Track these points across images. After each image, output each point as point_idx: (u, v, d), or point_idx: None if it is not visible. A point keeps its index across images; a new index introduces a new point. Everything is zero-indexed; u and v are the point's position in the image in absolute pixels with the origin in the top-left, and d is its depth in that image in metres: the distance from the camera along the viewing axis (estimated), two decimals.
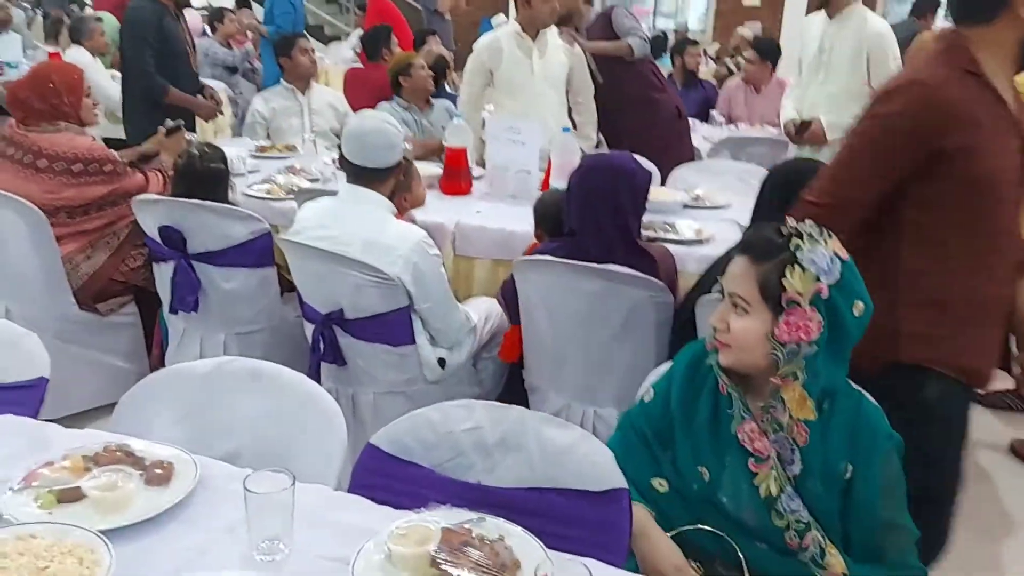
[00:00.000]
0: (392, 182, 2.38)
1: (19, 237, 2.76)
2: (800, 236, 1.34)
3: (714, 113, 5.22)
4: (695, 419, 1.44)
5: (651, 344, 2.24)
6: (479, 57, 3.78)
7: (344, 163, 2.39)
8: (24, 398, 1.52)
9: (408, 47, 5.67)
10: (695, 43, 5.97)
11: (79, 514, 1.21)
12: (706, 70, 7.94)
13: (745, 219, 2.75)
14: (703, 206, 3.11)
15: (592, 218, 2.26)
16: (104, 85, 4.88)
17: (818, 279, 1.32)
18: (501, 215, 2.97)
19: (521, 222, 2.75)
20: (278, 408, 1.52)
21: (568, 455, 1.36)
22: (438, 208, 2.98)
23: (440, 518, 1.20)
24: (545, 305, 2.34)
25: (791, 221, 1.38)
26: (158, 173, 3.08)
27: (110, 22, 5.50)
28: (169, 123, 3.33)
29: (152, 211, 2.70)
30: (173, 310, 2.74)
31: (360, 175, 2.36)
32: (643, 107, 4.09)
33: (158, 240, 2.72)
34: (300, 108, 4.22)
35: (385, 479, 1.39)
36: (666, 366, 1.59)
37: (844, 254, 1.36)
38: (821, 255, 1.33)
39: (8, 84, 4.00)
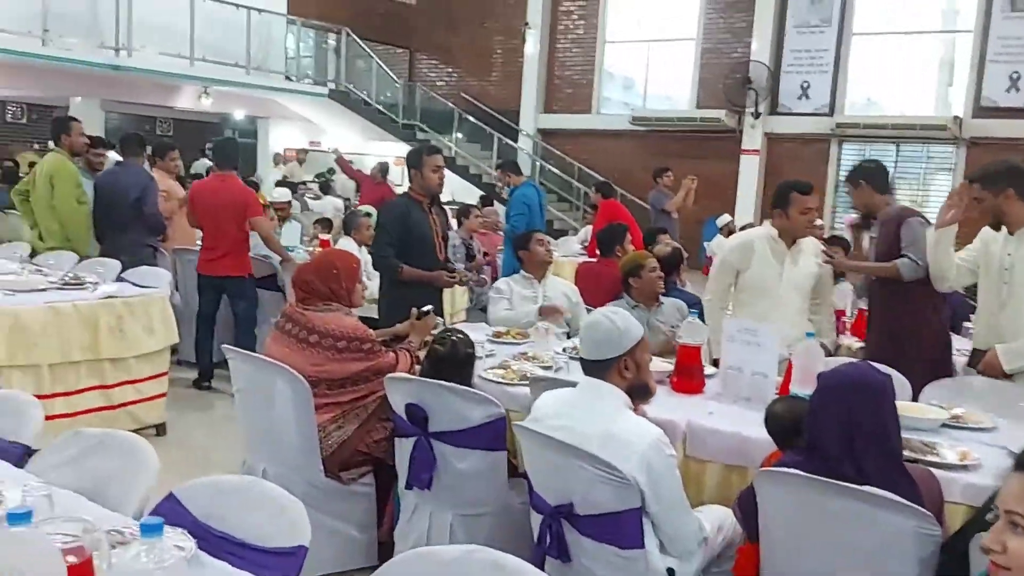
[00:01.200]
0: (622, 375, 2.39)
1: (285, 404, 3.03)
2: None
3: (968, 325, 4.85)
4: None
5: None
6: (728, 257, 3.87)
7: (581, 358, 2.47)
8: (285, 565, 1.61)
9: (639, 245, 5.86)
10: None
11: None
12: None
13: (1016, 444, 2.48)
14: (964, 427, 2.83)
15: (842, 436, 2.11)
16: (366, 272, 5.47)
17: None
18: (735, 418, 2.87)
19: (757, 427, 2.64)
20: None
21: None
22: (669, 404, 2.94)
23: None
24: (787, 524, 2.18)
25: None
26: (407, 353, 3.32)
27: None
28: (422, 309, 3.61)
29: (402, 388, 2.88)
30: (409, 485, 2.85)
31: (589, 368, 2.42)
32: (921, 304, 3.80)
33: (403, 416, 2.88)
34: (536, 296, 4.43)
35: None
36: None
37: None
38: None
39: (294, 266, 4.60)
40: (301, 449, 3.05)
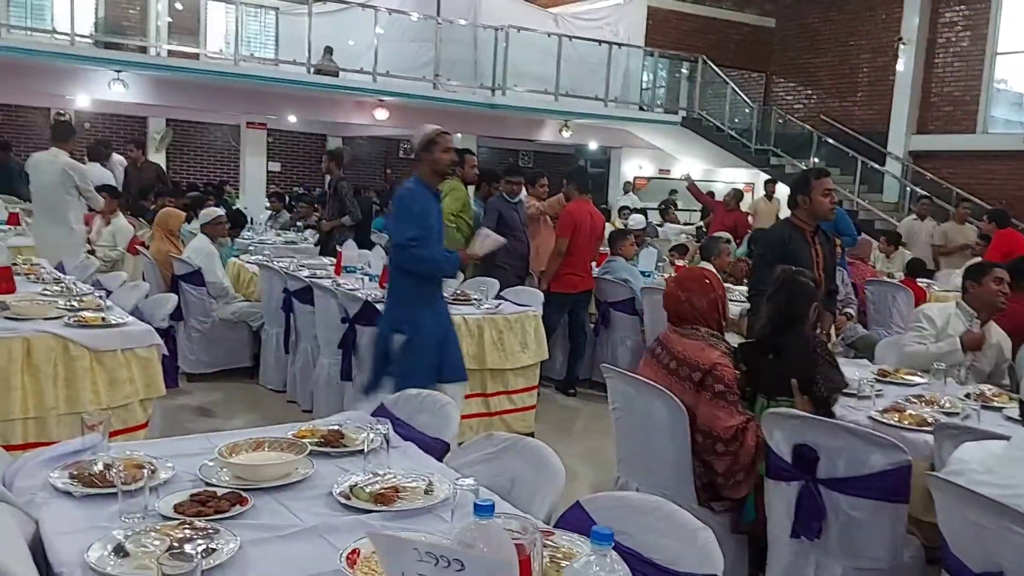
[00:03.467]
0: None
1: (661, 426, 3.01)
2: None
3: None
4: None
5: None
6: None
7: (1020, 405, 2.14)
8: None
9: None
10: None
11: None
12: None
13: None
14: None
15: None
16: None
17: None
18: None
19: None
20: None
21: None
22: None
23: None
24: None
25: None
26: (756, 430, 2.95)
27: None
28: None
29: (785, 426, 2.68)
30: (795, 534, 2.66)
31: None
32: None
33: (784, 457, 2.69)
34: None
35: None
36: None
37: None
38: None
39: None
40: (674, 474, 3.00)
